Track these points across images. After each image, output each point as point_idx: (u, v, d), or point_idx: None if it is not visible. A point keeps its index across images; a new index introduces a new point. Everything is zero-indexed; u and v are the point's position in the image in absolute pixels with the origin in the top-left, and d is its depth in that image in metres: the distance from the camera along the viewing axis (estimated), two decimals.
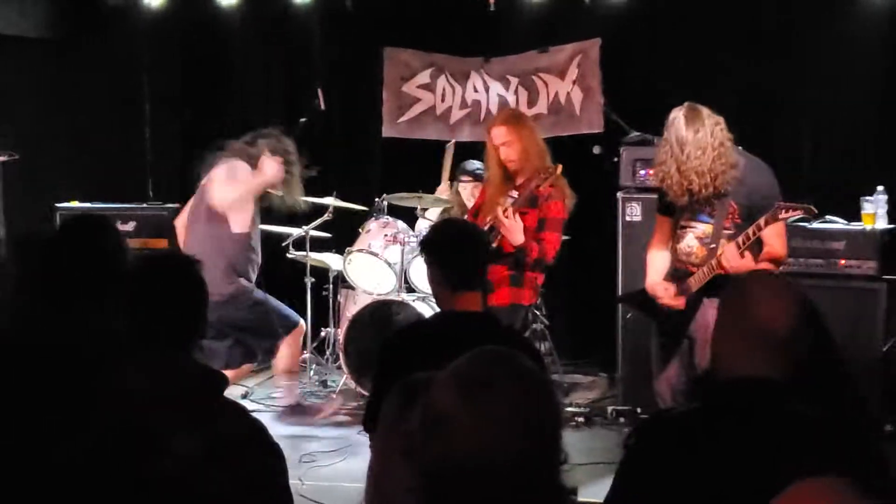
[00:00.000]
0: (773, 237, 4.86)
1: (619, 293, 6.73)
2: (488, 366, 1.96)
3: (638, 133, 7.24)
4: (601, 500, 2.57)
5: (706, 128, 4.83)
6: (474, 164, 7.42)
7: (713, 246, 4.92)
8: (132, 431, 2.57)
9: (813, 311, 2.62)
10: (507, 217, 5.76)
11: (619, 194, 7.07)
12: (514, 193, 6.02)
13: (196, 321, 2.93)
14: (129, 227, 7.93)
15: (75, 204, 8.04)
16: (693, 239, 5.03)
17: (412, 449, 1.97)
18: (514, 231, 5.78)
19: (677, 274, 5.10)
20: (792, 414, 2.41)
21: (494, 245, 5.80)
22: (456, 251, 3.65)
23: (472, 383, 1.92)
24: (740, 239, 4.78)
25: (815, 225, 6.35)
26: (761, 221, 4.71)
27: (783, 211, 4.66)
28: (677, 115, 4.92)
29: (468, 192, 7.38)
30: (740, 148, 5.01)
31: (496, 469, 1.87)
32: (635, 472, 2.54)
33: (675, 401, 5.09)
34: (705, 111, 4.90)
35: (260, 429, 2.73)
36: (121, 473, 2.54)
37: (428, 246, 3.79)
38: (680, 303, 5.02)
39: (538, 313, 7.09)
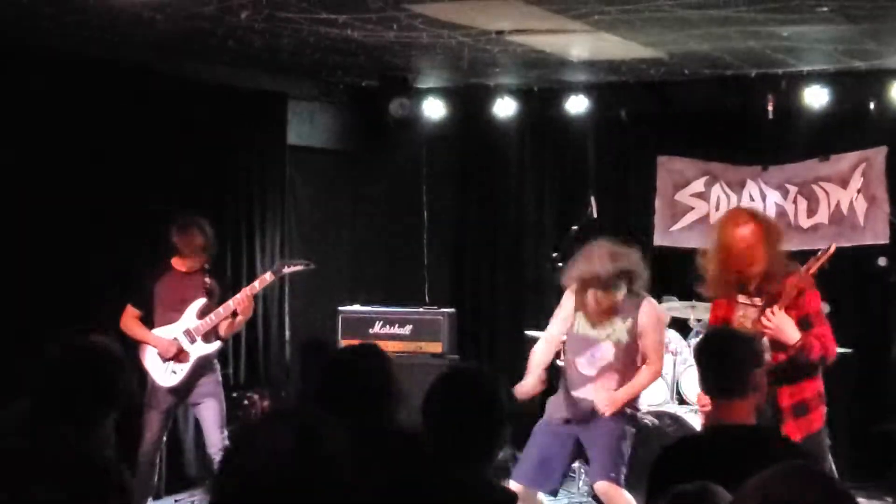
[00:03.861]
0: None
1: None
2: (798, 483, 1.90)
3: None
4: None
5: None
6: None
7: None
8: None
9: None
10: (773, 315, 5.03)
11: None
12: (756, 301, 5.25)
13: (494, 439, 3.01)
14: (406, 330, 8.18)
15: (356, 307, 8.37)
16: None
17: None
18: (787, 327, 5.03)
19: None
20: None
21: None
22: (716, 357, 3.63)
23: (780, 499, 1.88)
24: None
25: None
26: None
27: None
28: None
29: None
30: None
31: None
32: None
33: None
34: None
35: None
36: None
37: (695, 354, 3.85)
38: None
39: None
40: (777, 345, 5.11)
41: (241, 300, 6.57)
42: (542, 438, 5.89)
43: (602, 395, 5.79)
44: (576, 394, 5.89)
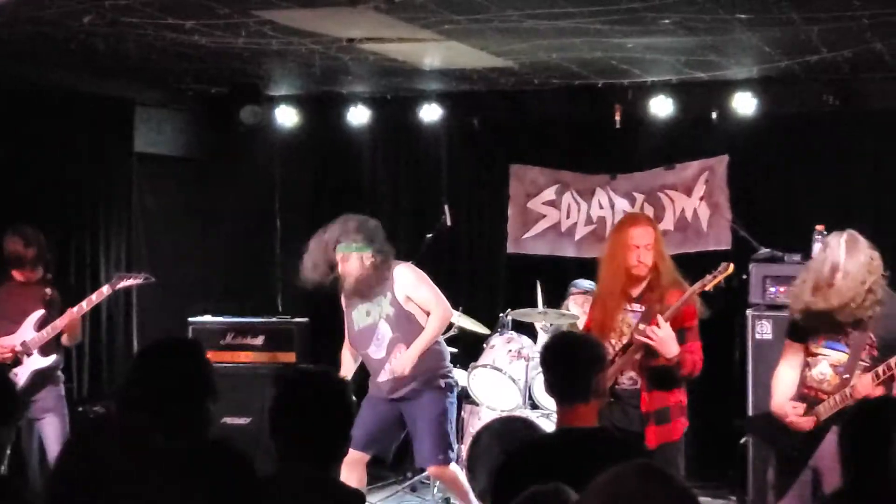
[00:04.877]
0: None
1: (749, 414, 6.54)
2: (641, 481, 1.95)
3: (767, 249, 7.13)
4: None
5: (864, 258, 4.75)
6: (585, 282, 7.41)
7: (847, 376, 4.80)
8: None
9: None
10: (659, 327, 5.11)
11: (749, 312, 6.94)
12: (636, 307, 5.43)
13: (340, 440, 3.02)
14: (258, 340, 8.08)
15: (207, 318, 8.23)
16: (827, 366, 4.91)
17: None
18: (669, 342, 5.12)
19: (805, 402, 4.96)
20: None
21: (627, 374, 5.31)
22: (560, 361, 3.67)
23: (624, 497, 1.92)
24: (881, 369, 4.65)
25: None
26: None
27: None
28: (838, 242, 4.83)
29: (580, 309, 7.33)
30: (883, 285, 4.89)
31: None
32: None
33: None
34: (864, 242, 4.82)
35: None
36: None
37: (540, 358, 3.86)
38: (808, 422, 4.86)
39: None
40: (651, 352, 5.23)
41: (67, 319, 6.36)
42: (369, 408, 6.27)
43: (395, 361, 6.20)
44: (380, 380, 6.32)
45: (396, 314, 6.24)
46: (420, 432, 6.27)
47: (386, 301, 6.26)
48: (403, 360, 6.20)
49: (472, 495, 6.34)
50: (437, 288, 6.40)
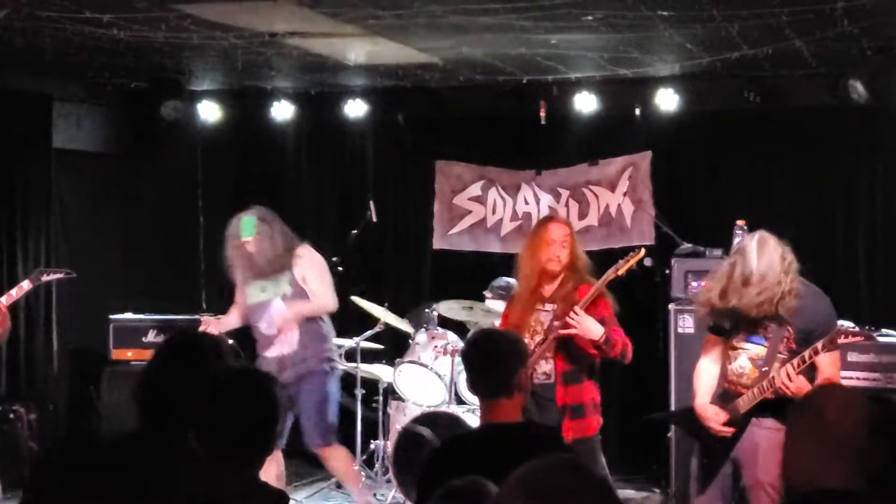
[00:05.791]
0: (828, 364, 4.81)
1: (671, 407, 6.61)
2: (558, 474, 1.95)
3: (689, 245, 7.21)
4: None
5: (776, 257, 4.82)
6: (502, 282, 7.40)
7: (765, 368, 4.87)
8: None
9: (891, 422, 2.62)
10: (576, 315, 5.21)
11: (671, 306, 7.01)
12: (547, 306, 5.49)
13: (265, 438, 3.00)
14: None
15: (129, 315, 8.11)
16: (746, 360, 4.98)
17: None
18: (591, 325, 5.23)
19: (726, 395, 5.03)
20: None
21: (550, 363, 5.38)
22: (482, 357, 3.67)
23: (541, 490, 1.92)
24: (796, 361, 4.73)
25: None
26: (819, 346, 4.67)
27: (842, 336, 4.64)
28: (749, 245, 4.88)
29: (502, 305, 7.34)
30: (800, 277, 4.95)
31: None
32: None
33: None
34: (773, 240, 4.88)
35: None
36: None
37: (462, 354, 3.89)
38: (728, 431, 4.93)
39: None
40: (566, 348, 5.32)
41: None
42: None
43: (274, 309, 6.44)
44: (268, 355, 6.53)
45: (294, 294, 6.49)
46: (305, 417, 6.51)
47: (285, 280, 6.49)
48: (283, 312, 6.44)
49: (358, 479, 6.81)
50: (328, 279, 6.65)
